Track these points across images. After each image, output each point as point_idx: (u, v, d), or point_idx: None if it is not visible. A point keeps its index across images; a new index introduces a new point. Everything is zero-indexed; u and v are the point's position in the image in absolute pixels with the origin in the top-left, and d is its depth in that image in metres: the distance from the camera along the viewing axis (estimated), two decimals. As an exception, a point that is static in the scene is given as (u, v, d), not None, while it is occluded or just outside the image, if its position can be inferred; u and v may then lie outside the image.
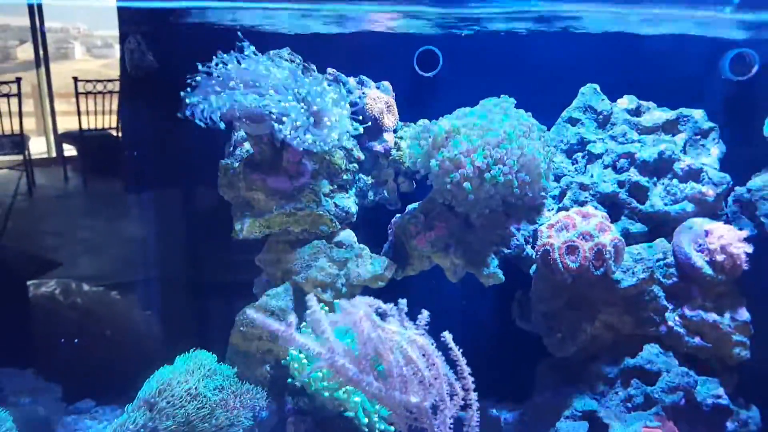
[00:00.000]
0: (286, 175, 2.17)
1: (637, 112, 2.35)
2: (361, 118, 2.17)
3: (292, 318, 1.56)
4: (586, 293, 2.09)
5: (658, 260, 2.10)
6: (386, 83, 2.41)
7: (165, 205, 2.69)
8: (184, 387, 1.95)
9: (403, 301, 1.66)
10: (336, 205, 2.24)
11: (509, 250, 2.19)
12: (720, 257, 2.00)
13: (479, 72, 2.47)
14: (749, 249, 2.00)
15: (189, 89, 1.95)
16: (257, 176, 2.15)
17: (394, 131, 2.41)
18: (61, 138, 3.02)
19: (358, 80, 2.38)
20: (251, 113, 1.95)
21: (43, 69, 2.86)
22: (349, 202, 2.28)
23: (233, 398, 2.01)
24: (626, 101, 2.36)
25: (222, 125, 1.92)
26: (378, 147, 2.37)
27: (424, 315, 1.63)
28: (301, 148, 2.03)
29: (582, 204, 2.23)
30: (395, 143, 2.39)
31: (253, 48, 2.02)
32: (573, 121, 2.38)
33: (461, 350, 1.63)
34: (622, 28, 2.49)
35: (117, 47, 2.50)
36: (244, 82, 1.94)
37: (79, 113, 2.99)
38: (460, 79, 2.47)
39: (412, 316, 1.69)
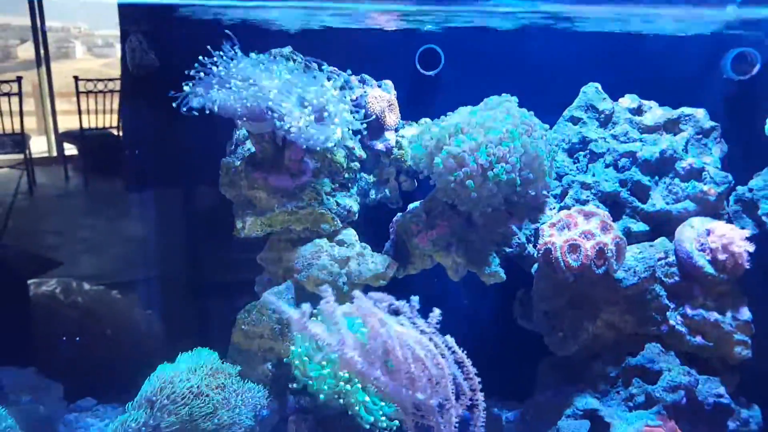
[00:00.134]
0: (288, 173, 2.16)
1: (638, 111, 2.35)
2: (363, 115, 2.17)
3: (306, 306, 1.55)
4: (587, 292, 2.09)
5: (659, 259, 2.09)
6: (388, 82, 2.41)
7: (166, 204, 2.69)
8: (186, 385, 1.94)
9: (415, 298, 1.64)
10: (338, 204, 2.24)
11: (511, 249, 2.19)
12: (722, 256, 2.00)
13: (481, 71, 2.47)
14: (751, 248, 2.00)
15: (190, 85, 1.95)
16: (259, 175, 2.15)
17: (396, 130, 2.40)
18: (62, 137, 3.01)
19: (359, 79, 2.37)
20: (253, 111, 1.94)
21: (43, 68, 2.85)
22: (350, 200, 2.28)
23: (235, 396, 2.00)
24: (628, 100, 2.36)
25: (216, 109, 1.91)
26: (380, 145, 2.37)
27: (436, 313, 1.62)
28: (303, 147, 2.03)
29: (584, 203, 2.22)
30: (397, 142, 2.39)
31: (254, 53, 2.02)
32: (575, 120, 2.38)
33: (463, 349, 1.62)
34: (623, 28, 2.49)
35: (118, 46, 2.50)
36: (245, 80, 1.94)
37: (79, 112, 2.98)
38: (461, 78, 2.47)
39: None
